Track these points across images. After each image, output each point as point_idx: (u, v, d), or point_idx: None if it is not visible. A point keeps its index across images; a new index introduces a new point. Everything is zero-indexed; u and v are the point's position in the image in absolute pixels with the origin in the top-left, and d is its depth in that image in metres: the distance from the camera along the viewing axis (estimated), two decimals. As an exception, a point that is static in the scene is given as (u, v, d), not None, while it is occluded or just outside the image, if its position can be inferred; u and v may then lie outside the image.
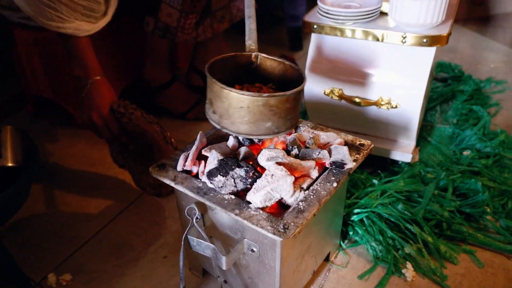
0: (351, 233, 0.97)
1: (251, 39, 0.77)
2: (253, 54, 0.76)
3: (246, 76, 0.77)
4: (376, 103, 1.03)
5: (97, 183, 1.21)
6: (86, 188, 1.19)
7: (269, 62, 0.76)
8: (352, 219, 0.97)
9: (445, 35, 0.91)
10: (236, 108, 0.65)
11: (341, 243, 0.96)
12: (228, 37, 1.66)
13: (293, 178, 0.65)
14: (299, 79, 0.71)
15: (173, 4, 1.23)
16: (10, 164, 0.92)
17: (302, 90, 0.69)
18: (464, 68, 1.69)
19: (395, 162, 1.15)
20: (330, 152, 0.74)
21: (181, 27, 1.28)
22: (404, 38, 0.92)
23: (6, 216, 0.91)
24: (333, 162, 0.72)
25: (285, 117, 0.67)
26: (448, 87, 1.50)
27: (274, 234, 0.61)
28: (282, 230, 0.61)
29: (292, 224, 0.62)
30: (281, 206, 0.70)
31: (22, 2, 0.92)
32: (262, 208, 0.66)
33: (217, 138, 0.84)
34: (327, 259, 0.92)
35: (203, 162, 0.75)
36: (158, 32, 1.30)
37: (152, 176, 0.75)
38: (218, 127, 0.70)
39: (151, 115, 1.03)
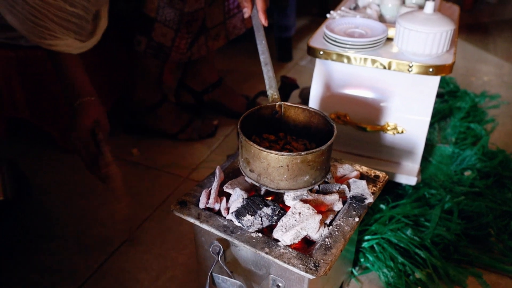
0: (362, 260, 1.07)
1: (272, 88, 0.86)
2: (277, 104, 0.85)
3: (269, 124, 0.87)
4: (382, 129, 1.14)
5: (89, 213, 1.26)
6: (79, 219, 1.24)
7: (293, 110, 0.86)
8: (363, 246, 1.07)
9: (449, 64, 1.03)
10: (275, 168, 0.74)
11: (353, 270, 1.06)
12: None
13: (320, 217, 0.75)
14: (327, 126, 0.81)
15: (169, 24, 1.31)
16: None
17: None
18: (458, 81, 1.85)
19: (398, 184, 1.27)
20: (349, 186, 0.84)
21: (176, 47, 1.36)
22: (410, 67, 1.04)
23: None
24: (353, 196, 0.82)
25: (320, 168, 0.77)
26: (445, 104, 1.64)
27: (306, 272, 0.70)
28: (314, 268, 0.70)
29: (322, 261, 0.72)
30: (305, 242, 0.79)
31: (15, 21, 0.97)
32: (289, 245, 0.75)
33: (233, 171, 0.93)
34: (340, 287, 1.02)
35: (224, 198, 0.83)
36: (150, 51, 1.37)
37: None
38: (257, 184, 0.79)
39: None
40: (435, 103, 1.65)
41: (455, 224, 1.13)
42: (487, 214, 1.15)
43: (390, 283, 1.02)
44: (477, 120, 1.57)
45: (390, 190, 1.25)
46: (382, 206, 1.17)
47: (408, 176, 1.20)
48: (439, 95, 1.72)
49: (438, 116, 1.58)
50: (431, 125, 1.55)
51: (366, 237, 1.08)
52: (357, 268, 1.07)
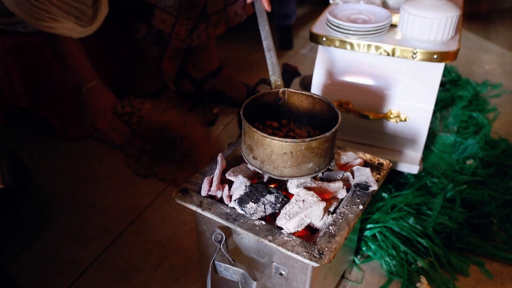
0: (364, 248, 1.07)
1: (275, 74, 0.84)
2: (280, 90, 0.83)
3: (272, 111, 0.85)
4: (385, 116, 1.13)
5: (90, 201, 1.25)
6: (79, 207, 1.22)
7: (297, 96, 0.84)
8: (365, 234, 1.07)
9: (454, 50, 1.02)
10: (279, 154, 0.73)
11: (355, 259, 1.05)
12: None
13: (324, 204, 0.74)
14: (331, 113, 0.79)
15: (169, 10, 1.28)
16: None
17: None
18: (460, 70, 1.83)
19: (400, 172, 1.26)
20: (352, 174, 0.83)
21: (176, 34, 1.34)
22: (414, 53, 1.02)
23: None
24: (357, 184, 0.81)
25: (325, 155, 0.76)
26: (447, 92, 1.63)
27: (310, 260, 0.69)
28: (318, 256, 0.69)
29: (326, 249, 0.71)
30: (309, 229, 0.78)
31: (13, 5, 0.95)
32: (293, 233, 0.74)
33: (234, 158, 0.91)
34: (342, 275, 1.02)
35: (226, 186, 0.82)
36: (150, 38, 1.35)
37: (187, 169, 0.81)
38: (260, 172, 0.78)
39: (162, 102, 1.01)
40: (437, 91, 1.64)
41: (457, 213, 1.12)
42: (489, 203, 1.15)
43: (392, 271, 1.02)
44: (479, 109, 1.56)
45: (392, 179, 1.24)
46: (384, 194, 1.16)
47: (410, 164, 1.19)
48: (440, 84, 1.70)
49: (440, 105, 1.57)
50: (433, 113, 1.54)
51: (368, 226, 1.07)
52: (359, 256, 1.06)
